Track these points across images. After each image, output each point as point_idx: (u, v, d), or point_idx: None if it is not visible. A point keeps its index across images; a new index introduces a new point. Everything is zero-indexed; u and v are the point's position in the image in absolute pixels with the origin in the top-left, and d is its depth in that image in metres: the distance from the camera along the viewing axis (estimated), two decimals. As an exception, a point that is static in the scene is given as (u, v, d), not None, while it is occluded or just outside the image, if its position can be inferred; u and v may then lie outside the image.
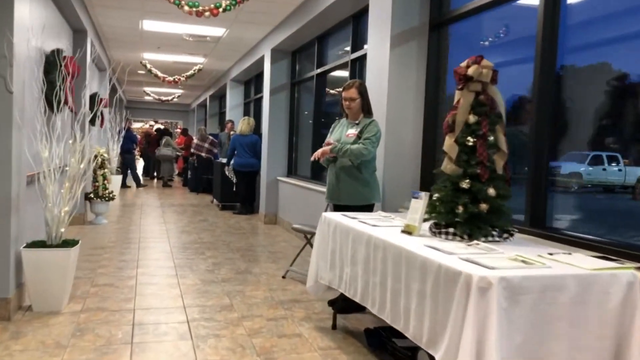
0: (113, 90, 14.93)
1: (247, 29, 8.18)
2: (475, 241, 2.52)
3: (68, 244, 3.73)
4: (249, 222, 8.40)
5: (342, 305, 3.53)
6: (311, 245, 4.80)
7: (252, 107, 11.46)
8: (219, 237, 6.80)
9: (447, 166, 2.73)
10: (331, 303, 3.85)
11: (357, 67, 5.72)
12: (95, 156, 7.54)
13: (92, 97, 9.09)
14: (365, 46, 5.49)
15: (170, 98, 17.76)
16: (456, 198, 2.67)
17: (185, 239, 6.59)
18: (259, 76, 10.88)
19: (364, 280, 2.79)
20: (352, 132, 3.84)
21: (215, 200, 10.64)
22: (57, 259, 3.58)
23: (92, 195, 7.47)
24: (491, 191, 2.64)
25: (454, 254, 2.24)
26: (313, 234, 4.64)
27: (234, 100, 12.37)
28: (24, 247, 3.59)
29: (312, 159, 4.01)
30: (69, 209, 3.76)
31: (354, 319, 3.67)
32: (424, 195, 2.74)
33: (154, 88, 17.34)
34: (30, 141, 3.67)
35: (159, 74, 10.58)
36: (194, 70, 10.80)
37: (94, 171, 7.54)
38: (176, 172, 17.39)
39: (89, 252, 5.57)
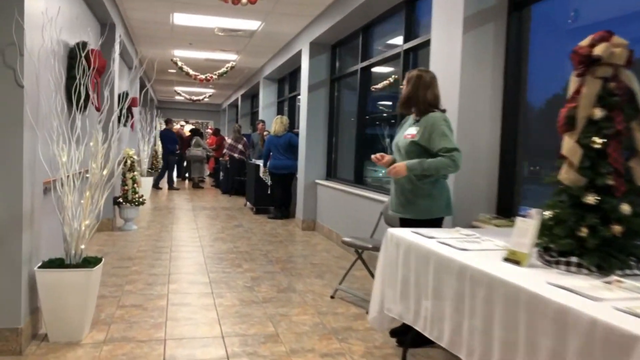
0: (143, 90, 14.65)
1: (283, 22, 7.63)
2: (614, 277, 1.88)
3: (89, 262, 3.23)
4: (286, 227, 7.86)
5: (414, 339, 2.92)
6: (363, 262, 4.21)
7: (287, 106, 10.93)
8: (255, 246, 6.28)
9: (566, 175, 2.09)
10: (395, 334, 3.26)
11: (411, 58, 5.10)
12: (125, 159, 7.12)
13: (121, 96, 8.68)
14: (422, 36, 4.86)
15: (201, 98, 17.41)
16: (578, 217, 2.04)
17: (220, 248, 6.09)
18: (295, 73, 10.34)
19: (454, 322, 2.18)
20: (412, 132, 3.20)
21: (248, 203, 10.15)
22: (76, 281, 3.08)
23: (121, 200, 7.04)
24: (626, 208, 2.00)
25: (603, 300, 1.62)
26: (365, 249, 4.05)
27: (267, 99, 11.87)
28: (39, 267, 3.09)
29: (373, 159, 3.39)
30: (89, 222, 3.25)
31: (424, 356, 3.05)
32: (537, 214, 2.11)
33: (185, 87, 17.02)
34: (47, 143, 3.18)
35: (191, 71, 10.15)
36: (227, 68, 10.34)
37: (123, 174, 7.12)
38: (207, 172, 17.03)
39: (117, 264, 5.11)
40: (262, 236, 7.01)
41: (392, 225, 3.42)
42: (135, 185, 7.15)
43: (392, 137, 4.39)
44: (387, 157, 3.33)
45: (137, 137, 11.09)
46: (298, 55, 8.51)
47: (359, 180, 6.44)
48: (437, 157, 3.03)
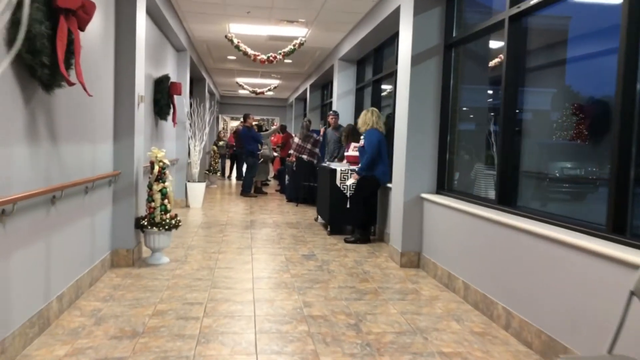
0: (200, 82, 12.78)
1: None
2: None
3: None
4: (375, 261, 5.53)
5: None
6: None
7: (370, 93, 8.56)
8: (336, 305, 3.98)
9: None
10: None
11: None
12: (152, 163, 5.06)
13: (159, 82, 6.67)
14: None
15: (265, 90, 15.42)
16: None
17: (283, 308, 3.85)
18: (381, 49, 7.98)
19: None
20: None
21: (320, 217, 7.90)
22: None
23: (145, 222, 4.98)
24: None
25: None
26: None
27: (343, 86, 9.57)
28: None
29: None
30: None
31: None
32: None
33: (248, 78, 15.08)
34: None
35: (249, 50, 8.05)
36: (294, 46, 8.15)
37: (149, 186, 5.06)
38: (272, 174, 15.01)
39: (117, 334, 2.97)
40: (344, 280, 4.71)
41: None
42: (165, 201, 5.07)
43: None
44: None
45: (185, 135, 9.15)
46: (392, 18, 6.14)
47: (505, 198, 3.98)
48: None
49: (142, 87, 5.15)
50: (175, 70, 8.74)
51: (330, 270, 5.03)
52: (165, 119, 7.11)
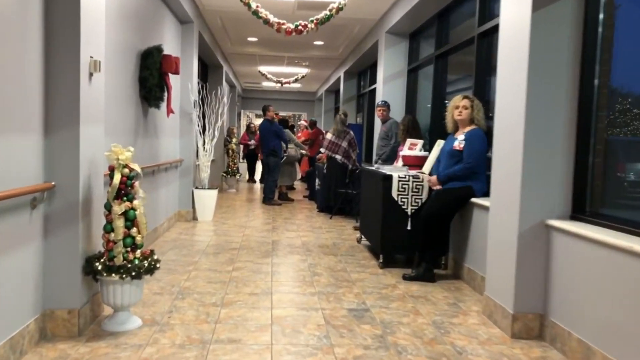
0: (216, 70, 10.90)
1: None
2: None
3: None
4: (465, 323, 3.51)
5: None
6: None
7: (431, 75, 6.53)
8: None
9: None
10: None
11: None
12: (111, 170, 3.16)
13: (146, 55, 4.79)
14: None
15: (291, 80, 13.49)
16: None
17: None
18: (448, 13, 5.96)
19: None
20: None
21: (363, 238, 5.92)
22: None
23: (99, 266, 3.07)
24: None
25: None
26: None
27: (390, 66, 7.55)
28: None
29: None
30: None
31: None
32: None
33: (272, 67, 13.18)
34: None
35: (271, 18, 6.11)
36: (330, 11, 6.17)
37: (107, 207, 3.16)
38: (299, 176, 13.08)
39: None
40: (432, 373, 2.72)
41: None
42: (134, 230, 3.16)
43: None
44: None
45: (193, 129, 7.26)
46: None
47: None
48: None
49: (99, 48, 3.25)
50: (178, 46, 6.86)
51: (401, 349, 3.04)
52: (157, 106, 5.23)
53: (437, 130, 6.30)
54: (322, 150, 8.29)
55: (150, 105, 5.11)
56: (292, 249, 5.70)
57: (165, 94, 5.24)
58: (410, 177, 4.90)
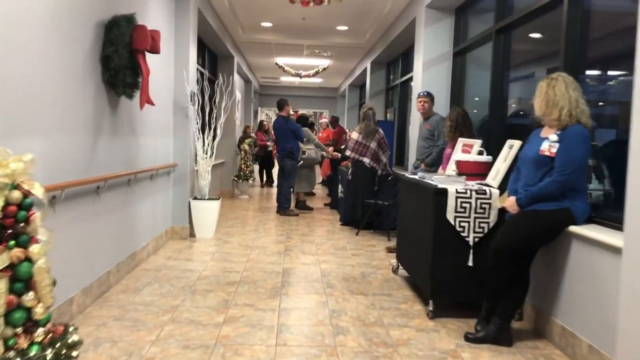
0: (226, 61, 9.60)
1: None
2: None
3: None
4: None
5: None
6: None
7: (491, 56, 5.10)
8: None
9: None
10: None
11: None
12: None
13: (111, 26, 3.44)
14: None
15: (312, 72, 12.12)
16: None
17: None
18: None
19: None
20: None
21: (401, 266, 4.51)
22: None
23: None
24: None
25: None
26: None
27: (431, 49, 6.10)
28: None
29: None
30: None
31: None
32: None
33: (290, 58, 11.84)
34: None
35: (283, -16, 4.77)
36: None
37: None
38: (319, 180, 11.73)
39: None
40: None
41: None
42: (30, 296, 1.82)
43: None
44: None
45: (190, 127, 5.95)
46: None
47: None
48: None
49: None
50: (168, 23, 5.55)
51: None
52: (129, 94, 3.92)
53: (496, 130, 4.87)
54: (347, 153, 6.89)
55: (118, 93, 3.80)
56: (309, 283, 4.33)
57: (140, 79, 3.91)
58: (473, 193, 3.49)
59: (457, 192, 3.49)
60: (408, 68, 8.77)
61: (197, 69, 6.29)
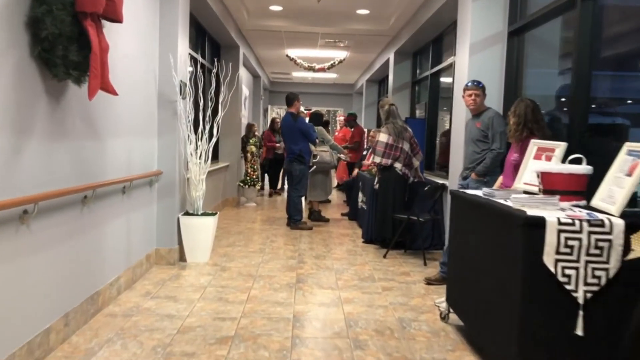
0: (231, 51, 8.45)
1: None
2: None
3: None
4: None
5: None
6: None
7: (578, 33, 3.88)
8: None
9: None
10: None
11: None
12: None
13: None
14: None
15: (326, 66, 10.92)
16: None
17: None
18: None
19: None
20: None
21: (452, 310, 3.30)
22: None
23: None
24: None
25: None
26: None
27: (479, 29, 4.85)
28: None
29: None
30: None
31: None
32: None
33: (302, 49, 10.67)
34: None
35: None
36: None
37: None
38: (334, 184, 10.54)
39: None
40: None
41: None
42: None
43: None
44: None
45: (178, 127, 4.78)
46: None
47: None
48: None
49: None
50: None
51: None
52: (76, 79, 2.75)
53: (578, 129, 3.65)
54: (377, 159, 5.68)
55: (57, 75, 2.64)
56: (329, 340, 3.14)
57: (88, 53, 2.74)
58: (584, 224, 2.28)
59: (560, 223, 2.29)
60: (439, 58, 7.55)
61: (194, 59, 5.10)
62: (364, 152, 8.35)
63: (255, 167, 9.20)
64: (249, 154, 9.23)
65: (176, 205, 4.80)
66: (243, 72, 10.95)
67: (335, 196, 10.49)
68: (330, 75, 14.73)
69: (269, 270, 4.70)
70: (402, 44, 8.44)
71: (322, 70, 10.84)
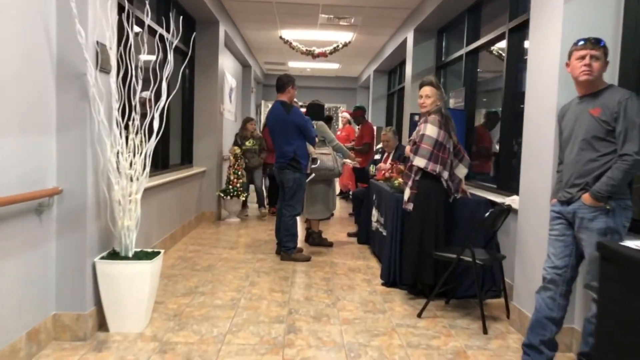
0: (209, 28, 6.60)
1: None
2: None
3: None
4: None
5: None
6: None
7: None
8: None
9: None
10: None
11: None
12: None
13: None
14: None
15: (328, 50, 9.05)
16: None
17: None
18: None
19: None
20: None
21: None
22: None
23: None
24: None
25: None
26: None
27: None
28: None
29: None
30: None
31: None
32: None
33: (299, 30, 8.82)
34: None
35: None
36: None
37: None
38: (337, 190, 8.67)
39: None
40: None
41: None
42: None
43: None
44: None
45: (89, 114, 2.94)
46: None
47: None
48: None
49: None
50: None
51: None
52: None
53: None
54: (421, 162, 3.79)
55: None
56: None
57: None
58: None
59: None
60: (476, 33, 5.74)
61: (159, 34, 3.22)
62: (376, 156, 6.53)
63: (239, 173, 7.35)
64: (231, 157, 7.39)
65: (89, 244, 2.97)
66: (228, 59, 9.12)
67: (339, 206, 8.67)
68: (332, 66, 12.91)
69: (239, 351, 2.87)
70: (425, 19, 6.62)
71: (323, 55, 8.98)
